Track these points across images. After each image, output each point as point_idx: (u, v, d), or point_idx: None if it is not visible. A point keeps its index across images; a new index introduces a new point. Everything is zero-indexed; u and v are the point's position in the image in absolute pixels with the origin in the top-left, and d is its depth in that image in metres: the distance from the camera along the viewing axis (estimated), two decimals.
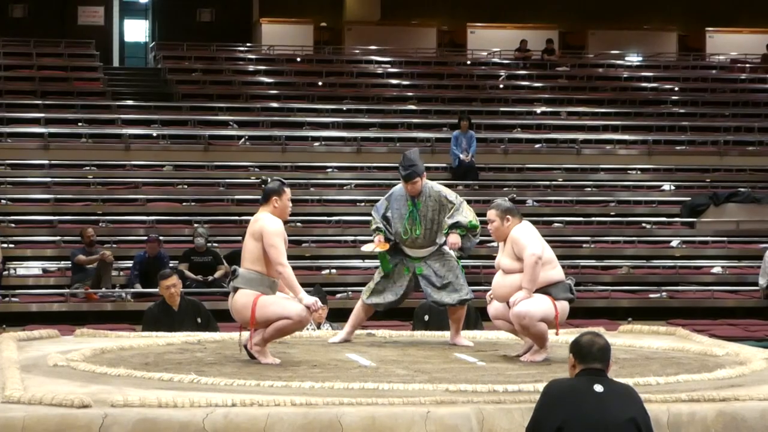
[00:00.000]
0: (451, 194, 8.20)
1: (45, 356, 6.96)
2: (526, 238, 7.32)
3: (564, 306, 7.37)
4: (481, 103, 22.15)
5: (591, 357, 4.77)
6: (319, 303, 7.18)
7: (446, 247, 8.13)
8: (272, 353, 7.17)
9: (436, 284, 8.12)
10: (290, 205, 7.31)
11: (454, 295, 8.10)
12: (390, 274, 8.19)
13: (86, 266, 14.45)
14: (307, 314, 7.03)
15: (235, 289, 7.10)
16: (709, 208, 18.24)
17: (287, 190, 7.24)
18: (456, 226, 8.03)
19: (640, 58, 26.73)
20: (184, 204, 17.36)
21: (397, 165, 8.41)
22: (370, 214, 8.41)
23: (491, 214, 7.45)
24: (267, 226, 7.07)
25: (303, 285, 13.36)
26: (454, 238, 8.03)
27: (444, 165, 19.28)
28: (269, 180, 7.32)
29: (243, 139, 19.42)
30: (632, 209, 18.62)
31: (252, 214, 7.34)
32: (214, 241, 15.26)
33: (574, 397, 4.67)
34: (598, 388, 4.68)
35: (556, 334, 7.41)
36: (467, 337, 8.28)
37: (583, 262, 16.03)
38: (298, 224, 16.60)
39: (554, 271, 7.38)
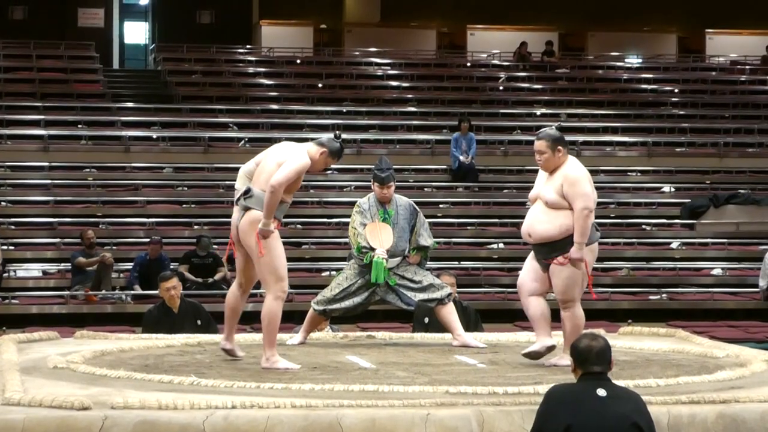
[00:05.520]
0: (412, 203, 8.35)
1: (45, 358, 6.95)
2: (583, 185, 7.21)
3: (594, 249, 7.35)
4: (480, 105, 22.15)
5: (590, 361, 4.75)
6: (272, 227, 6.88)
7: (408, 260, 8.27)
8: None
9: (415, 288, 8.13)
10: (328, 167, 7.33)
11: (439, 292, 8.11)
12: (350, 287, 8.15)
13: (86, 268, 14.44)
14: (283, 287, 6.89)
15: (246, 209, 6.98)
16: (708, 209, 18.22)
17: (339, 159, 7.14)
18: (422, 248, 8.22)
19: (640, 60, 26.75)
20: (183, 206, 17.35)
21: (394, 168, 8.40)
22: None
23: (541, 145, 7.11)
24: (296, 156, 6.93)
25: (303, 287, 13.55)
26: (415, 259, 8.23)
27: (444, 167, 19.28)
28: (340, 136, 7.14)
29: (243, 141, 19.41)
30: (632, 211, 18.60)
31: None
32: (214, 244, 15.26)
33: (577, 403, 4.65)
34: (601, 392, 4.67)
35: (593, 297, 7.56)
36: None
37: None
38: (298, 226, 16.59)
39: None
